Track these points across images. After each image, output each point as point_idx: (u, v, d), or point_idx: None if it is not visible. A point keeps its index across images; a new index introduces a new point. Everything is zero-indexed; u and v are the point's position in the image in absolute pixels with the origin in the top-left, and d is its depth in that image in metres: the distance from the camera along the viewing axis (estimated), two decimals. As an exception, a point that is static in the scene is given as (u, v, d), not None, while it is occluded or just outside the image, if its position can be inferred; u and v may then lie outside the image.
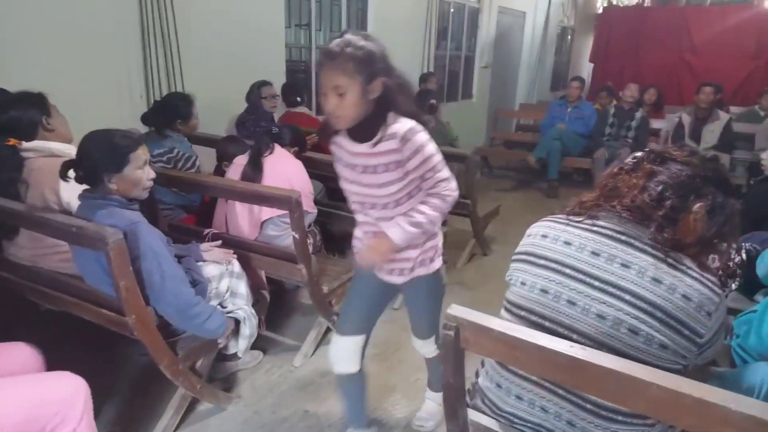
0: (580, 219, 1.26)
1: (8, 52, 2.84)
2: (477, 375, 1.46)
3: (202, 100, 3.72)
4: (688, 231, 1.19)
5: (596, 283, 1.17)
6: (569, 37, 11.26)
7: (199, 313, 1.91)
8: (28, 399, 1.43)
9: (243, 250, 2.46)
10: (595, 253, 1.19)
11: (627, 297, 1.13)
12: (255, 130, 3.86)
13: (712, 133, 5.40)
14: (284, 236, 2.63)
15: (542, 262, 1.25)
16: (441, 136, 4.03)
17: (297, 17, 4.96)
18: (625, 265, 1.15)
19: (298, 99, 4.29)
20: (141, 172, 1.84)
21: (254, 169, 2.56)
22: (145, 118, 3.02)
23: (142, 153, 1.84)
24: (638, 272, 1.14)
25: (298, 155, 2.83)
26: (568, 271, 1.21)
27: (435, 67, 6.84)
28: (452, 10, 7.12)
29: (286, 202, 2.21)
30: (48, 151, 2.10)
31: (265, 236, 2.59)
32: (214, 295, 2.13)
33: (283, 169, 2.60)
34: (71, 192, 1.98)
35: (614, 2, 12.66)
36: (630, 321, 1.12)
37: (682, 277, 1.11)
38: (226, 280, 2.19)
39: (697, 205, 1.18)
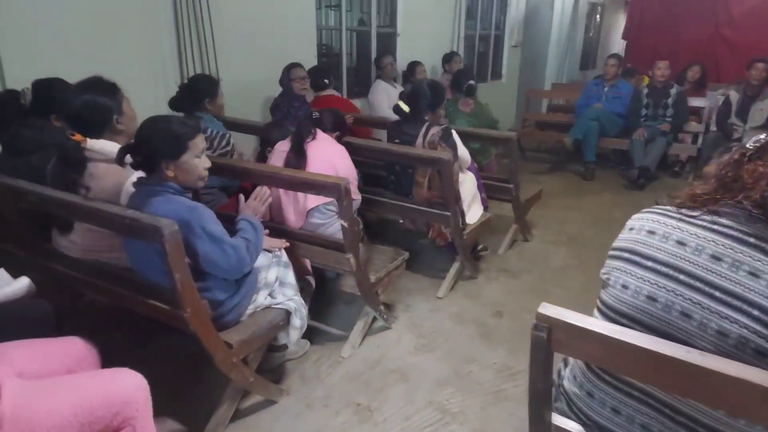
0: (696, 214, 1.09)
1: (44, 41, 2.80)
2: (560, 376, 1.37)
3: (235, 85, 3.67)
4: None
5: (717, 294, 1.01)
6: (598, 14, 10.90)
7: (257, 248, 1.95)
8: (89, 399, 1.38)
9: (289, 238, 2.40)
10: (716, 257, 1.03)
11: (756, 312, 0.97)
12: (288, 111, 3.80)
13: (761, 112, 5.15)
14: (329, 224, 2.56)
15: (650, 263, 1.10)
16: (482, 118, 3.90)
17: (328, -1, 4.85)
18: (753, 274, 0.99)
19: (326, 81, 4.18)
20: (198, 160, 1.81)
21: (298, 156, 2.49)
22: (173, 103, 2.96)
23: (199, 141, 1.81)
24: None
25: (339, 140, 2.75)
26: (682, 277, 1.05)
27: (464, 47, 6.66)
28: (482, -13, 6.91)
29: (335, 189, 2.14)
30: (113, 155, 1.92)
31: (310, 224, 2.53)
32: (263, 285, 2.07)
33: (327, 155, 2.52)
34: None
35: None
36: (758, 341, 0.96)
37: None
38: (274, 270, 2.13)
39: None
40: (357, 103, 4.81)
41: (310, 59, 4.43)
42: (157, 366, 2.27)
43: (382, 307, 2.60)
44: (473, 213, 3.12)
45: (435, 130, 2.83)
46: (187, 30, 3.46)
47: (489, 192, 3.46)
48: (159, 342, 2.40)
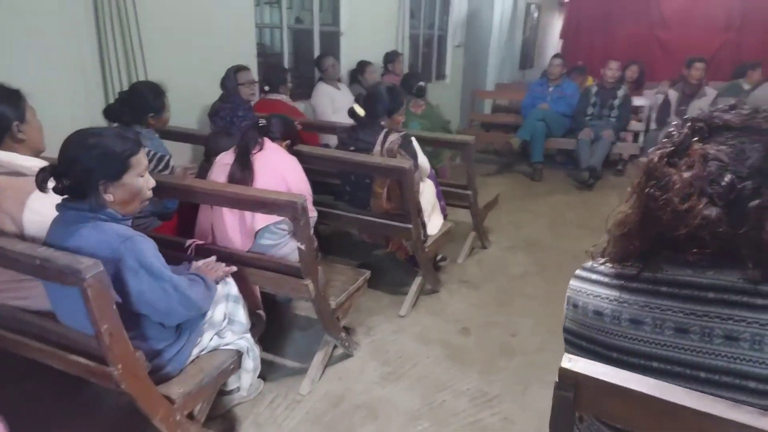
0: (635, 273, 0.91)
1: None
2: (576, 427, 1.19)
3: (167, 89, 3.30)
4: None
5: (702, 375, 0.84)
6: (536, 14, 11.07)
7: (205, 301, 1.70)
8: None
9: (236, 263, 2.12)
10: (681, 330, 0.86)
11: (752, 385, 0.81)
12: (232, 120, 3.48)
13: (699, 111, 5.24)
14: (281, 245, 2.30)
15: (615, 355, 0.93)
16: (433, 119, 3.74)
17: (266, -6, 4.53)
18: (730, 338, 0.82)
19: (289, 84, 3.91)
20: (142, 180, 1.54)
21: (243, 169, 2.21)
22: (110, 113, 2.57)
23: (142, 157, 1.53)
24: (752, 342, 0.80)
25: (290, 149, 2.49)
26: (655, 364, 0.88)
27: (409, 46, 6.50)
28: (424, -14, 6.77)
29: (290, 208, 1.88)
30: (11, 167, 1.66)
31: (258, 246, 2.25)
32: (208, 325, 1.79)
33: (277, 167, 2.25)
34: (36, 222, 1.60)
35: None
36: None
37: None
38: (222, 306, 1.85)
39: None
40: (299, 106, 4.53)
41: (249, 60, 4.11)
42: (78, 420, 1.95)
43: (343, 335, 2.37)
44: (434, 223, 2.94)
45: (394, 137, 2.62)
46: (110, 29, 3.07)
47: (447, 199, 3.29)
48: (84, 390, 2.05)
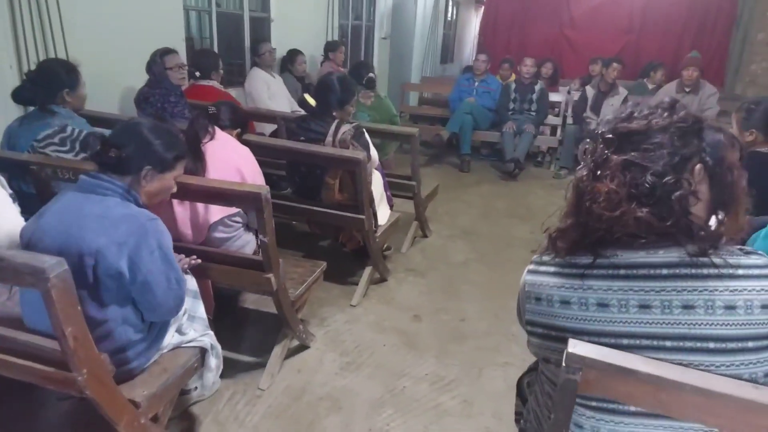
0: (591, 261, 0.97)
1: None
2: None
3: (88, 71, 3.04)
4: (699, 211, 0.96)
5: (668, 344, 0.92)
6: (455, 9, 11.37)
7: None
8: None
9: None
10: (644, 306, 0.93)
11: (712, 345, 0.89)
12: (163, 106, 3.28)
13: (611, 107, 5.70)
14: (236, 237, 2.22)
15: (586, 338, 0.97)
16: (382, 111, 3.75)
17: (194, -24, 4.30)
18: (688, 307, 0.90)
19: (213, 72, 3.73)
20: (172, 184, 1.63)
21: (195, 159, 2.08)
22: (19, 94, 2.33)
23: (182, 165, 1.67)
24: (705, 308, 0.90)
25: (240, 138, 2.40)
26: (625, 341, 0.95)
27: (338, 36, 6.45)
28: (352, -24, 6.73)
29: (254, 200, 1.82)
30: None
31: (212, 240, 2.16)
32: (171, 323, 1.69)
33: (230, 158, 2.16)
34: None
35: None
36: (738, 371, 0.90)
37: (746, 283, 0.90)
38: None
39: (697, 167, 0.94)
40: (231, 93, 4.36)
41: (177, 43, 3.88)
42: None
43: (301, 327, 2.33)
44: (382, 213, 2.96)
45: (346, 128, 2.60)
46: (25, 6, 2.78)
47: (392, 190, 3.32)
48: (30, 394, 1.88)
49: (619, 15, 8.77)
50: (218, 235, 2.16)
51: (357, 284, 2.95)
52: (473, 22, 13.06)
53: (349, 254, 3.20)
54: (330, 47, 5.49)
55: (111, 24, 3.33)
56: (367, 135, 2.72)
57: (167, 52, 3.28)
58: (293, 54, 4.99)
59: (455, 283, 3.18)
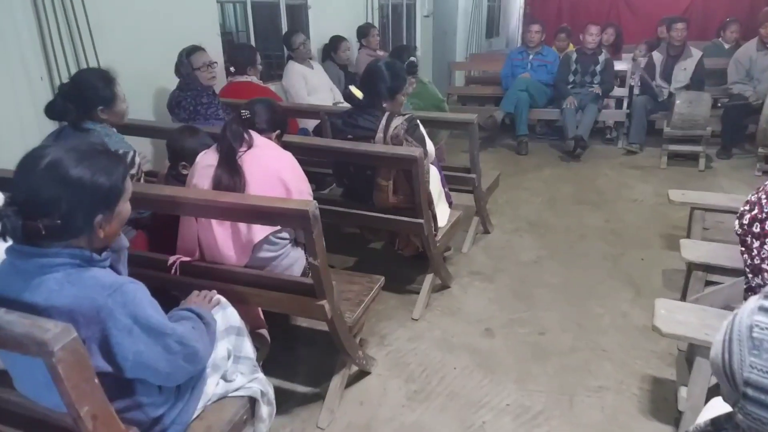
0: None
1: None
2: None
3: (120, 77, 2.85)
4: None
5: None
6: (498, -20, 10.74)
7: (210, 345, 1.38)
8: None
9: (234, 284, 1.79)
10: None
11: None
12: (196, 109, 3.07)
13: (684, 72, 5.13)
14: (283, 255, 1.97)
15: None
16: (426, 98, 3.41)
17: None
18: None
19: (250, 67, 3.50)
20: (128, 205, 1.25)
21: (232, 172, 1.84)
22: (52, 109, 2.15)
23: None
24: None
25: (280, 140, 2.13)
26: None
27: (378, 17, 6.10)
28: (390, -48, 6.34)
29: (301, 218, 1.55)
30: None
31: (257, 260, 1.91)
32: (211, 370, 1.45)
33: (271, 167, 1.90)
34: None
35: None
36: None
37: None
38: (224, 342, 1.51)
39: None
40: (271, 88, 4.12)
41: (212, 39, 3.67)
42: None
43: (361, 353, 2.07)
44: (441, 213, 2.64)
45: (398, 121, 2.29)
46: (51, 10, 2.61)
47: (450, 183, 2.99)
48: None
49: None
50: (263, 254, 1.91)
51: (417, 293, 2.67)
52: (519, -8, 12.36)
53: (406, 258, 2.91)
54: (362, 32, 5.15)
55: (141, 24, 3.13)
56: (422, 127, 2.40)
57: (193, 50, 3.04)
58: (336, 41, 4.69)
59: (527, 286, 2.84)
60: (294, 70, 4.24)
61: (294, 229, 1.94)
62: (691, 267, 2.25)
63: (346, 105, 4.23)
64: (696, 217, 2.78)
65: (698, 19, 7.33)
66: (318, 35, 4.86)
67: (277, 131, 2.10)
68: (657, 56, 5.30)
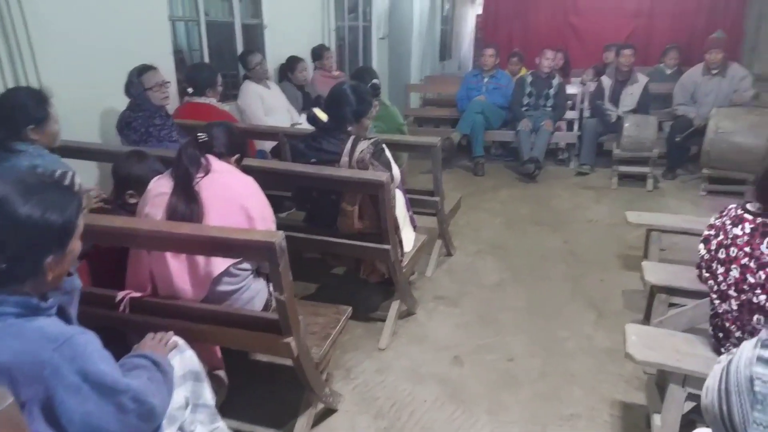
0: None
1: None
2: None
3: (63, 97, 2.67)
4: None
5: None
6: (450, 4, 10.99)
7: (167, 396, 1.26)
8: None
9: (191, 321, 1.66)
10: None
11: None
12: (148, 131, 2.92)
13: (631, 96, 5.33)
14: (243, 288, 1.85)
15: None
16: (389, 121, 3.37)
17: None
18: None
19: (209, 88, 3.38)
20: (80, 242, 1.12)
21: (188, 200, 1.72)
22: (-21, 130, 1.99)
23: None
24: None
25: (239, 164, 2.03)
26: None
27: (335, 39, 6.08)
28: (345, -25, 6.35)
29: (267, 250, 1.45)
30: None
31: (216, 294, 1.78)
32: (167, 421, 1.31)
33: (232, 194, 1.79)
34: None
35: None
36: None
37: None
38: (182, 389, 1.39)
39: None
40: (226, 109, 3.99)
41: (164, 57, 3.52)
42: None
43: (327, 390, 1.96)
44: (407, 238, 2.59)
45: (364, 145, 2.23)
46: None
47: (413, 206, 2.94)
48: None
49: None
50: (223, 288, 1.79)
51: (382, 320, 2.59)
52: (469, 16, 12.69)
53: (369, 283, 2.83)
54: (316, 54, 5.11)
55: (88, 42, 2.96)
56: (387, 151, 2.35)
57: (145, 69, 2.90)
58: (293, 61, 4.62)
59: (492, 310, 2.81)
60: (250, 89, 4.13)
61: (258, 261, 1.83)
62: (654, 290, 2.28)
63: (305, 125, 4.19)
64: (653, 238, 2.85)
65: (640, 46, 7.66)
66: (274, 55, 4.77)
67: (236, 155, 1.99)
68: (606, 81, 5.50)
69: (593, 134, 5.41)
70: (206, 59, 4.12)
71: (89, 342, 1.03)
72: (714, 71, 5.03)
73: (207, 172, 1.79)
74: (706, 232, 1.69)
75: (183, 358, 1.46)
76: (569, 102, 5.93)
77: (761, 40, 7.36)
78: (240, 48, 4.51)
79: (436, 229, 3.28)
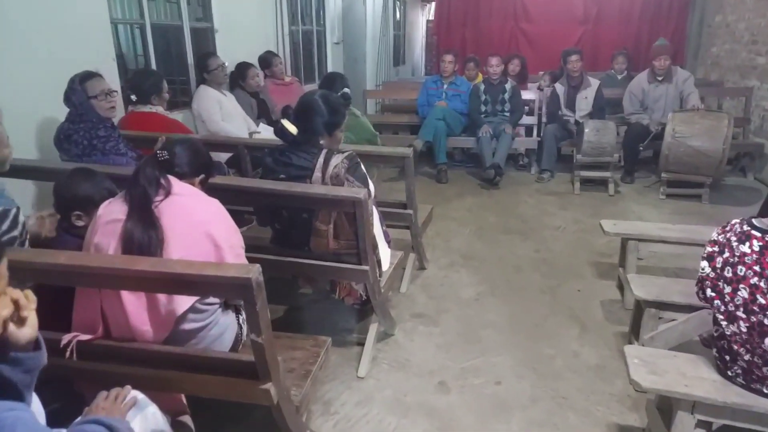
0: None
1: None
2: None
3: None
4: None
5: None
6: (401, 10, 10.94)
7: None
8: None
9: (152, 367, 1.43)
10: None
11: None
12: (92, 144, 2.64)
13: (585, 100, 5.39)
14: (211, 325, 1.63)
15: None
16: (359, 131, 3.20)
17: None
18: None
19: (155, 96, 3.11)
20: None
21: (146, 227, 1.50)
22: None
23: None
24: None
25: (204, 185, 1.81)
26: None
27: (289, 44, 5.85)
28: (298, -22, 6.14)
29: (242, 287, 1.25)
30: None
31: (180, 333, 1.56)
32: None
33: (195, 217, 1.58)
34: None
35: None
36: None
37: None
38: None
39: None
40: (176, 117, 3.71)
41: (106, 63, 3.22)
42: None
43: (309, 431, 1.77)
44: (384, 255, 2.42)
45: (338, 159, 2.05)
46: None
47: (387, 220, 2.78)
48: None
49: (573, 5, 8.58)
50: (188, 326, 1.57)
51: (359, 344, 2.42)
52: (420, 21, 12.71)
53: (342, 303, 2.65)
54: (264, 62, 4.84)
55: (18, 47, 2.65)
56: (362, 165, 2.18)
57: (88, 76, 2.61)
58: (244, 68, 4.37)
59: (473, 327, 2.68)
60: (208, 94, 3.86)
61: (232, 299, 1.62)
62: (643, 305, 2.21)
63: (263, 134, 3.96)
64: (630, 247, 2.80)
65: (590, 51, 7.83)
66: (226, 60, 4.50)
67: (201, 175, 1.77)
68: (559, 87, 5.53)
69: (553, 140, 5.42)
70: (152, 64, 3.83)
71: (18, 420, 0.82)
72: (660, 77, 5.13)
73: (167, 194, 1.57)
74: (708, 249, 1.61)
75: (145, 418, 1.24)
76: (526, 107, 5.95)
77: (702, 44, 7.64)
78: (190, 53, 4.23)
79: (408, 240, 3.14)
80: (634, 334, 2.36)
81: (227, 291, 1.33)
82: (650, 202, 4.66)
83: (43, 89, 2.70)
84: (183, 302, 1.49)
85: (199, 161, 1.75)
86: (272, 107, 4.62)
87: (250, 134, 3.91)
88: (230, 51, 4.59)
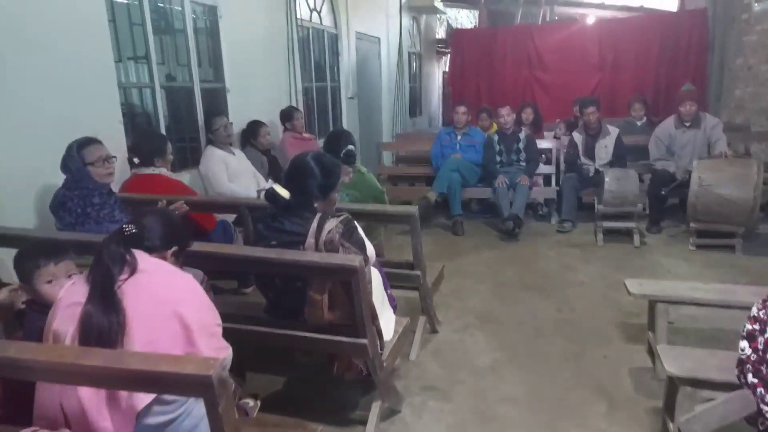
0: None
1: None
2: None
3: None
4: None
5: None
6: (417, 62, 11.10)
7: None
8: None
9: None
10: None
11: None
12: (85, 212, 2.57)
13: (605, 149, 5.22)
14: (182, 417, 1.46)
15: None
16: (364, 189, 3.08)
17: (131, 49, 3.66)
18: None
19: (158, 158, 3.08)
20: None
21: (106, 310, 1.35)
22: None
23: None
24: None
25: (178, 258, 1.67)
26: None
27: (303, 101, 5.89)
28: (311, 36, 6.25)
29: (200, 386, 1.09)
30: None
31: (146, 429, 1.39)
32: None
33: (163, 296, 1.44)
34: None
35: (454, 26, 13.05)
36: None
37: None
38: None
39: None
40: (184, 179, 3.66)
41: (113, 127, 3.22)
42: None
43: None
44: (386, 323, 2.23)
45: (332, 224, 1.91)
46: None
47: (392, 281, 2.61)
48: None
49: (588, 52, 8.51)
50: (153, 420, 1.39)
51: (362, 423, 2.19)
52: (436, 73, 12.89)
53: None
54: (286, 116, 4.91)
55: (23, 111, 2.65)
56: (360, 229, 2.03)
57: (86, 143, 2.58)
58: (255, 126, 4.37)
59: (490, 403, 2.44)
60: (214, 155, 3.84)
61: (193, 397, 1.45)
62: (677, 381, 1.95)
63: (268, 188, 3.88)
64: (659, 311, 2.55)
65: (607, 98, 7.69)
66: (238, 120, 4.51)
67: (174, 248, 1.64)
68: (577, 136, 5.39)
69: (572, 189, 5.23)
70: (162, 125, 3.83)
71: None
72: (687, 123, 4.96)
73: (132, 272, 1.44)
74: (748, 327, 1.39)
75: None
76: (543, 156, 5.81)
77: (725, 87, 7.46)
78: (200, 113, 4.24)
79: (417, 301, 2.95)
80: (668, 412, 2.09)
81: (185, 389, 1.17)
82: (679, 254, 4.38)
83: (49, 154, 2.66)
84: (144, 395, 1.33)
85: (172, 232, 1.63)
86: (284, 164, 4.58)
87: (259, 191, 3.84)
88: (242, 110, 4.62)
